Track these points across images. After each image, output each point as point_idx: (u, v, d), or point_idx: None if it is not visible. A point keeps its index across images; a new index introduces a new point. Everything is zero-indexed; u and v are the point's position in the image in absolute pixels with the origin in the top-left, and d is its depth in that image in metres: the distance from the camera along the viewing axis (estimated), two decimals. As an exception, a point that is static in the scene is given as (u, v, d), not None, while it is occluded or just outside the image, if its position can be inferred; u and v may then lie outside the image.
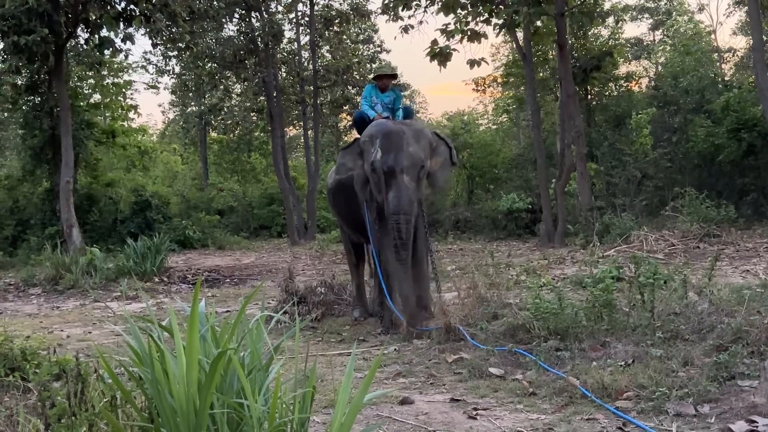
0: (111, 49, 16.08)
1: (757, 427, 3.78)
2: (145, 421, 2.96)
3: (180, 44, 19.02)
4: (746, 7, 27.64)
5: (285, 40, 25.11)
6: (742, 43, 31.49)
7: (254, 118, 29.02)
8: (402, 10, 17.08)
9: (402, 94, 7.98)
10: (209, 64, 24.07)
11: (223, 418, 2.77)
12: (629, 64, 26.22)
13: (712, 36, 32.24)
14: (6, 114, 23.64)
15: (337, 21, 24.54)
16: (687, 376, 4.54)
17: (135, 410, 3.04)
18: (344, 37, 25.79)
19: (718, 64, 27.36)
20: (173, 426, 2.73)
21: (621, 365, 4.81)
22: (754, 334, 5.02)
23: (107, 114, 27.21)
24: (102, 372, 3.44)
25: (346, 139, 31.87)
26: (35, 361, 4.55)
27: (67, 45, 17.07)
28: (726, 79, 22.94)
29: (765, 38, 15.95)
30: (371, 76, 7.87)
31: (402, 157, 6.65)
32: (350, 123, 30.64)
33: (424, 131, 7.16)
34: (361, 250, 8.37)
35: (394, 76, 7.86)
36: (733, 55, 29.79)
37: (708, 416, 4.00)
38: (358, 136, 7.60)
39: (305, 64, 25.48)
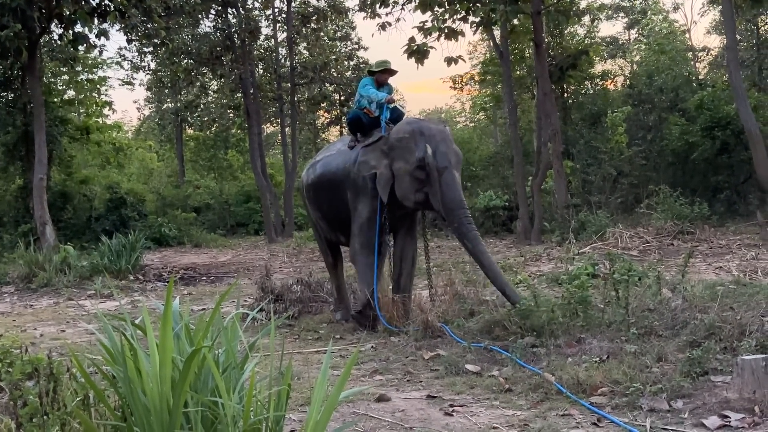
0: (85, 44, 15.90)
1: (729, 422, 3.83)
2: (118, 420, 2.93)
3: (155, 40, 18.81)
4: (720, 7, 27.92)
5: (262, 37, 24.99)
6: (716, 42, 31.86)
7: (231, 115, 28.85)
8: (379, 8, 17.06)
9: (392, 86, 7.90)
10: (185, 61, 23.88)
11: (198, 416, 2.75)
12: (605, 62, 26.42)
13: (687, 35, 32.57)
14: (-22, 110, 23.28)
15: (314, 18, 24.46)
16: (661, 371, 4.58)
17: (108, 409, 3.01)
18: (321, 34, 25.72)
19: (692, 62, 27.64)
20: (146, 425, 2.71)
21: (596, 361, 4.85)
22: (726, 330, 5.08)
23: (81, 110, 26.90)
24: (75, 371, 3.40)
25: (324, 136, 31.80)
26: (8, 360, 4.48)
27: (41, 40, 16.85)
28: (700, 77, 23.19)
29: (738, 37, 16.15)
30: (373, 69, 7.71)
31: (451, 154, 6.75)
32: (328, 120, 30.64)
33: (449, 130, 7.29)
34: (338, 250, 8.23)
35: (394, 73, 7.77)
36: (707, 54, 30.10)
37: (681, 411, 4.05)
38: (352, 135, 7.51)
39: (282, 60, 25.37)
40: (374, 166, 6.96)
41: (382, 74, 7.61)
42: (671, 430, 3.85)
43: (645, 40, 29.16)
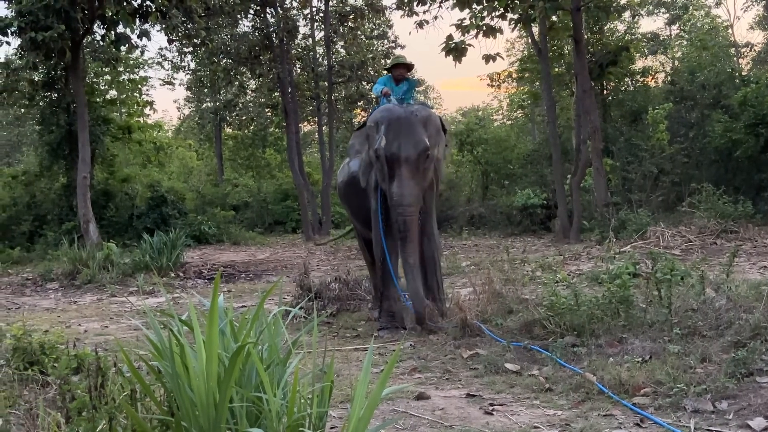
0: (127, 45, 16.15)
1: (775, 423, 3.76)
2: (165, 415, 2.98)
3: (195, 40, 19.08)
4: (764, 2, 27.37)
5: (300, 36, 25.12)
6: (759, 37, 31.34)
7: (269, 113, 29.06)
8: (417, 6, 17.03)
9: (416, 80, 7.88)
10: (224, 60, 24.11)
11: (243, 411, 2.79)
12: (645, 59, 26.02)
13: (729, 30, 31.96)
14: (23, 110, 23.78)
15: (351, 16, 24.52)
16: (705, 372, 4.52)
17: (155, 403, 3.07)
18: (359, 32, 25.76)
19: (735, 58, 27.14)
20: (193, 419, 2.75)
21: (638, 361, 4.80)
22: (772, 331, 4.99)
23: (123, 110, 27.35)
24: (121, 365, 3.47)
25: (360, 135, 31.85)
26: (54, 355, 4.58)
27: (84, 41, 17.15)
28: (743, 73, 22.70)
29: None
30: (388, 65, 7.77)
31: (406, 147, 6.51)
32: (365, 119, 30.68)
33: (432, 117, 7.01)
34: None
35: (411, 66, 7.78)
36: (751, 50, 29.55)
37: (726, 413, 3.99)
38: None
39: (320, 59, 25.49)
40: (358, 151, 7.06)
41: (397, 69, 7.63)
42: (716, 431, 3.79)
43: (687, 36, 28.70)
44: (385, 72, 7.83)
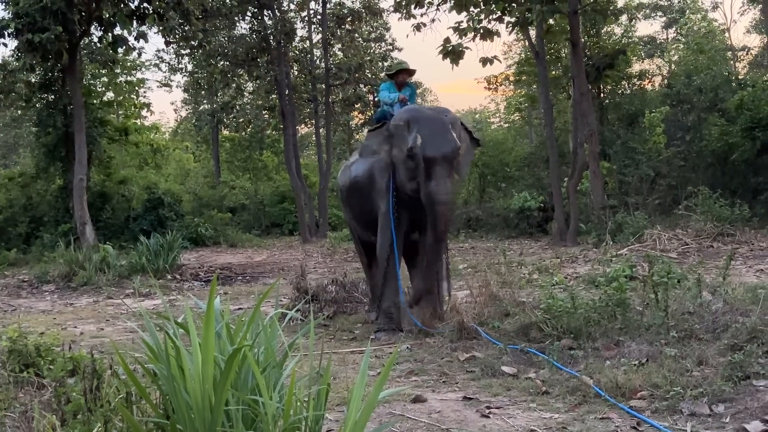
0: (124, 47, 16.15)
1: (772, 427, 3.76)
2: (161, 417, 2.97)
3: (193, 42, 19.13)
4: (760, 5, 27.43)
5: (297, 38, 25.11)
6: (756, 41, 31.37)
7: (266, 116, 29.03)
8: (414, 8, 17.03)
9: (414, 84, 7.92)
10: (222, 62, 24.11)
11: (238, 414, 2.78)
12: (642, 62, 26.07)
13: (726, 34, 32.04)
14: (20, 112, 23.75)
15: (349, 19, 24.54)
16: (701, 375, 4.52)
17: (150, 406, 3.06)
18: (356, 35, 25.78)
19: (731, 62, 27.20)
20: (189, 422, 2.74)
21: (635, 364, 4.79)
22: (769, 334, 4.99)
23: (120, 112, 27.31)
24: (117, 368, 3.46)
25: (357, 137, 31.87)
26: (49, 357, 4.57)
27: (81, 43, 17.13)
28: (740, 77, 22.75)
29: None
30: (390, 72, 7.78)
31: (444, 145, 6.59)
32: (362, 121, 30.70)
33: (456, 120, 7.12)
34: (373, 250, 8.27)
35: (413, 72, 7.81)
36: (747, 54, 29.62)
37: (723, 416, 3.99)
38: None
39: (317, 62, 25.49)
40: (375, 151, 7.02)
41: (399, 75, 7.65)
42: (712, 435, 3.79)
43: (683, 40, 28.76)
44: (385, 77, 7.82)
